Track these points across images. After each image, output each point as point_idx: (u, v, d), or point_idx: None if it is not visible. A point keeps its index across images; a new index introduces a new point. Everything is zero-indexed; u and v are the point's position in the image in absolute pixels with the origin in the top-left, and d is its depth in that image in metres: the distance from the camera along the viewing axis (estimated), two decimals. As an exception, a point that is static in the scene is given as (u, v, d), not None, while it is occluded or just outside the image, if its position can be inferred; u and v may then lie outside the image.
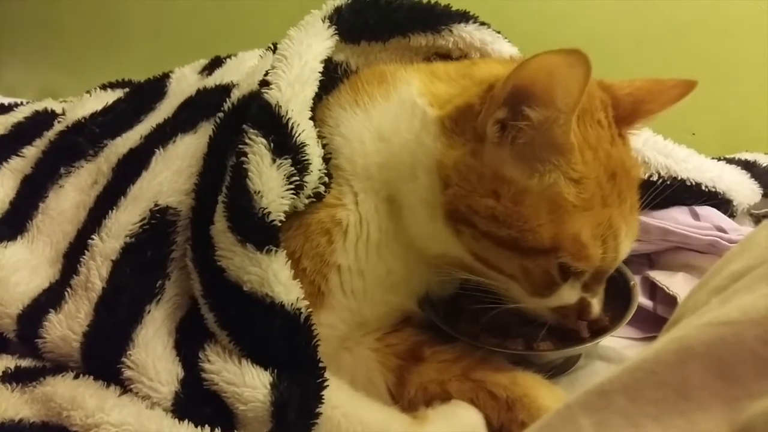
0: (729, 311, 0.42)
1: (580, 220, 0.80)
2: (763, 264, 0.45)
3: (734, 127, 1.57)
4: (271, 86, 0.85)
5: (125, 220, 0.92)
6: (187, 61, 1.27)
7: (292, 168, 0.81)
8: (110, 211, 0.94)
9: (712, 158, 1.22)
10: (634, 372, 0.43)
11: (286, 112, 0.83)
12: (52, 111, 1.27)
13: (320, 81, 0.89)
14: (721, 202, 1.16)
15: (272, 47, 1.04)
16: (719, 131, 1.58)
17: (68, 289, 0.93)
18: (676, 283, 1.05)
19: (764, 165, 1.26)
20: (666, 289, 1.05)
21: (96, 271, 0.91)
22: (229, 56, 1.20)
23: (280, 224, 0.81)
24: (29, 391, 0.87)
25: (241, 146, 0.81)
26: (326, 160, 0.87)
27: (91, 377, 0.87)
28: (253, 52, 1.16)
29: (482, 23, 1.02)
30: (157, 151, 0.98)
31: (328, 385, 0.81)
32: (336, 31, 0.94)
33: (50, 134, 1.17)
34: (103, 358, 0.87)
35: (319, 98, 0.90)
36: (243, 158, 0.81)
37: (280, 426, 0.79)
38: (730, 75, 1.53)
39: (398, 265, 0.92)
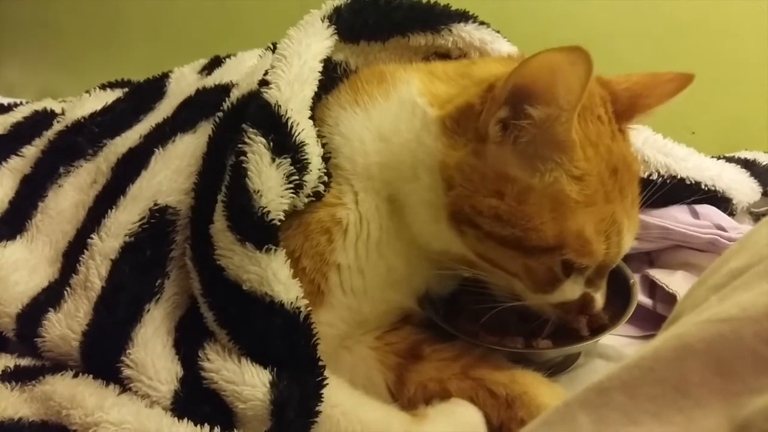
0: (728, 308, 0.42)
1: (583, 217, 0.80)
2: (762, 261, 0.45)
3: (734, 125, 1.57)
4: (270, 86, 0.85)
5: (124, 219, 0.92)
6: (187, 60, 1.27)
7: (292, 167, 0.81)
8: (109, 211, 0.94)
9: (712, 157, 1.22)
10: (632, 369, 0.43)
11: (286, 111, 0.83)
12: (52, 111, 1.27)
13: (319, 80, 0.89)
14: (720, 201, 1.16)
15: (272, 47, 1.04)
16: (719, 130, 1.58)
17: (67, 289, 0.93)
18: (676, 282, 1.05)
19: (764, 163, 1.26)
20: (665, 287, 1.05)
21: (95, 270, 0.91)
22: (228, 56, 1.20)
23: (279, 223, 0.81)
24: (29, 390, 0.87)
25: (240, 145, 0.81)
26: (326, 159, 0.87)
27: (91, 376, 0.87)
28: (252, 51, 1.16)
29: (482, 23, 1.02)
30: (156, 150, 0.98)
31: (327, 384, 0.81)
32: (335, 31, 0.93)
33: (49, 134, 1.17)
34: (103, 357, 0.87)
35: (318, 98, 0.90)
36: (242, 157, 0.81)
37: (280, 424, 0.79)
38: (730, 74, 1.53)
39: (399, 262, 0.92)
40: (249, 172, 0.80)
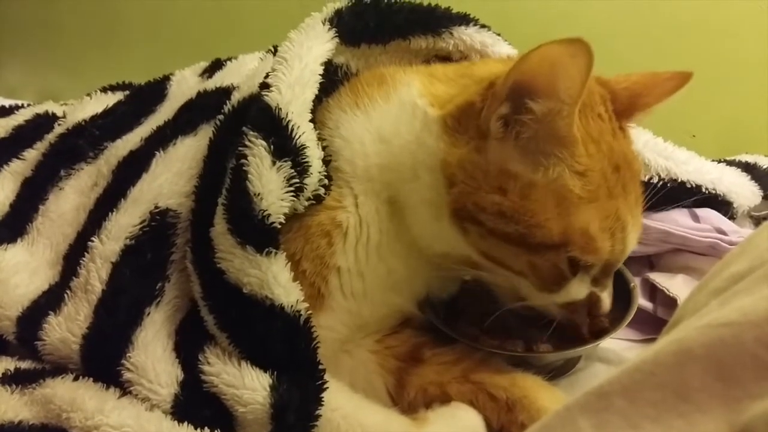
0: (729, 313, 0.42)
1: (587, 213, 0.80)
2: (763, 265, 0.45)
3: (734, 129, 1.57)
4: (271, 88, 0.85)
5: (125, 222, 0.92)
6: (188, 62, 1.27)
7: (292, 170, 0.81)
8: (110, 213, 0.94)
9: (712, 160, 1.22)
10: (633, 373, 0.43)
11: (286, 114, 0.83)
12: (53, 114, 1.27)
13: (320, 83, 0.89)
14: (721, 204, 1.16)
15: (272, 50, 1.04)
16: (719, 133, 1.58)
17: (68, 292, 0.93)
18: (676, 285, 1.05)
19: (764, 167, 1.26)
20: (666, 291, 1.05)
21: (96, 273, 0.91)
22: (229, 59, 1.20)
23: (279, 226, 0.81)
24: (29, 392, 0.87)
25: (241, 148, 0.81)
26: (326, 162, 0.87)
27: (91, 379, 0.87)
28: (253, 54, 1.16)
29: (482, 26, 1.02)
30: (157, 153, 0.98)
31: (327, 388, 0.81)
32: (336, 34, 0.93)
33: (50, 137, 1.17)
34: (103, 360, 0.87)
35: (319, 101, 0.90)
36: (243, 160, 0.81)
37: (280, 428, 0.79)
38: (730, 76, 1.53)
39: (399, 265, 0.91)
40: (249, 175, 0.80)
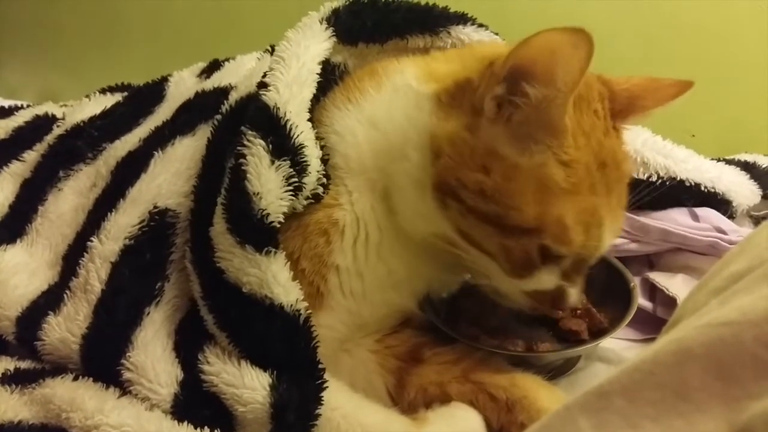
0: (728, 312, 0.42)
1: (565, 203, 0.79)
2: (762, 265, 0.45)
3: (733, 128, 1.57)
4: (269, 88, 0.85)
5: (124, 222, 0.92)
6: (187, 62, 1.27)
7: (291, 169, 0.81)
8: (109, 214, 0.94)
9: (712, 159, 1.22)
10: (633, 373, 0.43)
11: (285, 113, 0.83)
12: (53, 115, 1.27)
13: (318, 83, 0.89)
14: (720, 203, 1.16)
15: (270, 49, 1.04)
16: (718, 132, 1.58)
17: (67, 292, 0.93)
18: (676, 285, 1.05)
19: (764, 166, 1.26)
20: (665, 290, 1.05)
21: (95, 273, 0.91)
22: (227, 59, 1.20)
23: (279, 226, 0.81)
24: (28, 392, 0.87)
25: (239, 148, 0.81)
26: (324, 161, 0.87)
27: (91, 379, 0.87)
28: (251, 54, 1.16)
29: (480, 25, 1.02)
30: (155, 153, 0.98)
31: (327, 387, 0.81)
32: (334, 33, 0.93)
33: (49, 138, 1.17)
34: (102, 360, 0.87)
35: (317, 100, 0.90)
36: (242, 160, 0.81)
37: (280, 428, 0.79)
38: (730, 76, 1.53)
39: (399, 265, 0.91)
40: (248, 175, 0.80)
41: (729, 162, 1.25)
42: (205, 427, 0.79)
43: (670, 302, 1.04)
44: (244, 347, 0.83)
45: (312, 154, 0.84)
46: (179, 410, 0.82)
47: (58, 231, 1.04)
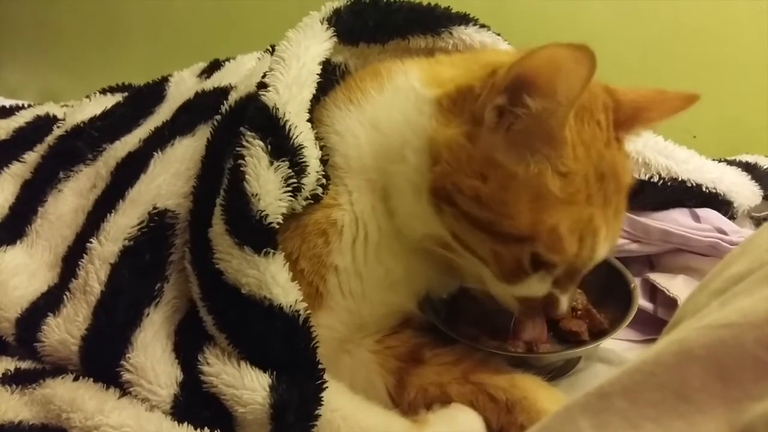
0: (729, 314, 0.42)
1: (560, 213, 0.79)
2: (763, 266, 0.45)
3: (735, 128, 1.57)
4: (268, 88, 0.85)
5: (124, 223, 0.92)
6: (187, 62, 1.27)
7: (290, 170, 0.81)
8: (109, 215, 0.94)
9: (713, 160, 1.22)
10: (633, 374, 0.43)
11: (284, 114, 0.83)
12: (54, 115, 1.27)
13: (318, 83, 0.89)
14: (721, 204, 1.16)
15: (270, 49, 1.04)
16: (720, 133, 1.58)
17: (67, 293, 0.93)
18: (677, 286, 1.05)
19: (765, 167, 1.26)
20: (666, 291, 1.04)
21: (95, 274, 0.91)
22: (227, 59, 1.20)
23: (277, 227, 0.81)
24: (29, 393, 0.87)
25: (238, 149, 0.81)
26: (323, 162, 0.87)
27: (91, 379, 0.87)
28: (251, 54, 1.16)
29: (482, 25, 1.02)
30: (155, 154, 0.98)
31: (327, 387, 0.81)
32: (334, 33, 0.93)
33: (50, 139, 1.17)
34: (102, 361, 0.87)
35: (317, 100, 0.90)
36: (240, 161, 0.81)
37: (280, 428, 0.79)
38: (731, 76, 1.53)
39: (398, 266, 0.91)
40: (247, 176, 0.80)
41: (730, 163, 1.25)
42: (205, 428, 0.79)
43: (670, 303, 1.04)
44: (244, 348, 0.83)
45: (311, 155, 0.84)
46: (179, 411, 0.82)
47: (57, 232, 1.04)
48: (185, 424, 0.80)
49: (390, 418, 0.85)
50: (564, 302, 0.88)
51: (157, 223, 0.91)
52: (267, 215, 0.79)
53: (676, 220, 1.13)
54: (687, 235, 1.11)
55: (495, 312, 0.91)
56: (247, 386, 0.80)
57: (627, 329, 0.98)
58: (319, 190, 0.86)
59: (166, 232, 0.91)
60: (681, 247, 1.13)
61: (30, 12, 2.14)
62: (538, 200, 0.79)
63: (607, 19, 1.62)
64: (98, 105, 1.20)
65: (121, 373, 0.85)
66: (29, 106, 1.44)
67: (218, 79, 1.10)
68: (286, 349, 0.81)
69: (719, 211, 1.16)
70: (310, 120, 0.87)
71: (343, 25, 0.95)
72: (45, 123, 1.25)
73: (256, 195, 0.79)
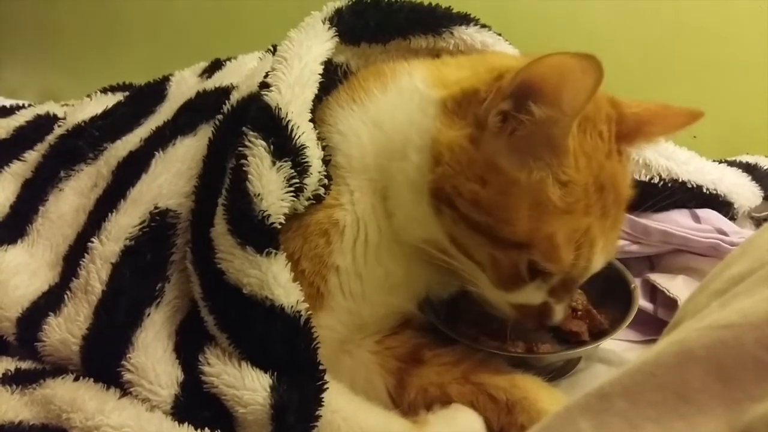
0: (729, 314, 0.42)
1: (558, 222, 0.80)
2: (763, 267, 0.45)
3: (735, 129, 1.57)
4: (270, 88, 0.85)
5: (125, 223, 0.92)
6: (187, 62, 1.27)
7: (292, 170, 0.81)
8: (110, 214, 0.94)
9: (713, 161, 1.22)
10: (634, 375, 0.43)
11: (286, 114, 0.83)
12: (54, 115, 1.27)
13: (320, 83, 0.89)
14: (721, 205, 1.16)
15: (272, 49, 1.04)
16: (720, 134, 1.58)
17: (68, 293, 0.93)
18: (677, 286, 1.05)
19: (765, 168, 1.26)
20: (666, 292, 1.04)
21: (96, 274, 0.91)
22: (228, 59, 1.20)
23: (279, 227, 0.81)
24: (29, 393, 0.87)
25: (240, 148, 0.81)
26: (326, 162, 0.87)
27: (91, 380, 0.87)
28: (252, 54, 1.16)
29: (483, 25, 1.02)
30: (156, 153, 0.98)
31: (327, 388, 0.81)
32: (336, 33, 0.93)
33: (50, 138, 1.16)
34: (103, 361, 0.87)
35: (319, 100, 0.90)
36: (243, 161, 0.81)
37: (280, 429, 0.79)
38: (731, 76, 1.53)
39: (397, 267, 0.91)
40: (249, 176, 0.80)
41: (730, 163, 1.26)
42: (206, 429, 0.79)
43: (670, 304, 1.04)
44: (245, 348, 0.83)
45: (313, 155, 0.84)
46: (180, 411, 0.82)
47: (58, 231, 1.04)
48: (186, 424, 0.80)
49: (390, 419, 0.85)
50: (559, 312, 0.88)
51: (159, 222, 0.91)
52: (269, 215, 0.80)
53: (677, 221, 1.13)
54: (687, 236, 1.11)
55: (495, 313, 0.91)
56: (247, 387, 0.80)
57: (627, 330, 0.98)
58: (321, 191, 0.86)
59: (168, 231, 0.91)
60: (681, 248, 1.13)
61: (30, 12, 2.14)
62: (537, 208, 0.79)
63: (608, 19, 1.62)
64: (99, 104, 1.20)
65: (122, 373, 0.85)
66: (29, 105, 1.44)
67: (219, 79, 1.10)
68: (287, 350, 0.81)
69: (720, 212, 1.16)
70: (312, 120, 0.87)
71: (345, 25, 0.95)
72: (46, 122, 1.25)
73: (259, 195, 0.79)
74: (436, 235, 0.87)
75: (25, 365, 0.94)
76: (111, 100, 1.22)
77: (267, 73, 0.88)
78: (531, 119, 0.78)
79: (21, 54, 2.20)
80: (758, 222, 1.22)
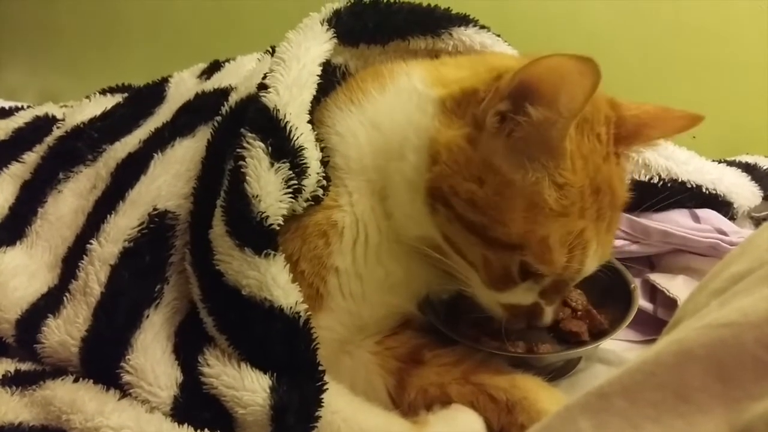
0: (729, 313, 0.42)
1: (552, 224, 0.80)
2: (763, 266, 0.45)
3: (734, 129, 1.57)
4: (269, 89, 0.85)
5: (124, 224, 0.92)
6: (187, 63, 1.27)
7: (291, 172, 0.81)
8: (109, 216, 0.94)
9: (713, 161, 1.22)
10: (633, 374, 0.43)
11: (284, 115, 0.83)
12: (53, 116, 1.27)
13: (319, 84, 0.89)
14: (721, 205, 1.16)
15: (270, 50, 1.04)
16: (719, 134, 1.57)
17: (67, 294, 0.93)
18: (677, 286, 1.05)
19: (764, 168, 1.26)
20: (666, 291, 1.04)
21: (95, 276, 0.91)
22: (227, 60, 1.20)
23: (278, 228, 0.81)
24: (29, 394, 0.87)
25: (239, 150, 0.81)
26: (324, 163, 0.87)
27: (91, 381, 0.87)
28: (251, 55, 1.16)
29: (482, 26, 1.02)
30: (155, 155, 0.98)
31: (327, 389, 0.81)
32: (335, 34, 0.93)
33: (49, 139, 1.16)
34: (102, 362, 0.87)
35: (317, 101, 0.90)
36: (241, 162, 0.81)
37: (280, 430, 0.79)
38: (730, 76, 1.53)
39: (397, 267, 0.92)
40: (248, 177, 0.80)
41: (730, 163, 1.26)
42: (205, 430, 0.80)
43: (670, 303, 1.04)
44: (244, 350, 0.83)
45: (312, 156, 0.84)
46: (179, 412, 0.82)
47: (57, 233, 1.04)
48: (185, 425, 0.80)
49: (390, 420, 0.85)
50: (549, 313, 0.89)
51: (158, 224, 0.91)
52: (268, 216, 0.79)
53: (676, 221, 1.13)
54: (687, 236, 1.11)
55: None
56: (247, 388, 0.80)
57: (627, 330, 0.98)
58: (320, 192, 0.86)
59: (167, 233, 0.91)
60: (681, 248, 1.13)
61: (30, 12, 2.14)
62: (532, 209, 0.79)
63: (608, 19, 1.62)
64: (98, 106, 1.20)
65: (121, 374, 0.85)
66: (29, 107, 1.44)
67: (218, 80, 1.10)
68: (287, 351, 0.81)
69: (719, 211, 1.16)
70: (310, 121, 0.87)
71: (344, 26, 0.95)
72: (44, 123, 1.25)
73: (257, 196, 0.79)
74: (431, 233, 0.87)
75: (24, 367, 0.94)
76: (110, 101, 1.21)
77: (265, 74, 0.88)
78: (528, 120, 0.78)
79: (21, 54, 2.20)
80: (758, 222, 1.22)
